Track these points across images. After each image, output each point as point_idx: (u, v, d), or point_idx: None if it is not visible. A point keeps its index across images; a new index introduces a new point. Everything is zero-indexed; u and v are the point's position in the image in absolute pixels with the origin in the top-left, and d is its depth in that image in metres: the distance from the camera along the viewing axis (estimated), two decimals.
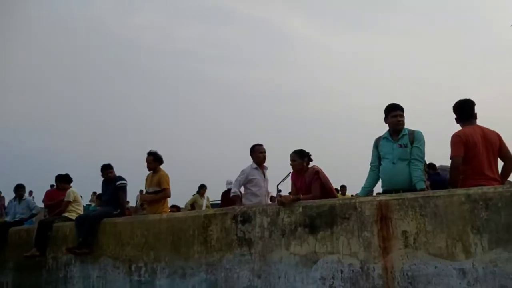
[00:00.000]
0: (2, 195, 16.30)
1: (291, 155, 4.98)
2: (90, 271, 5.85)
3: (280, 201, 4.17)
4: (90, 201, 16.07)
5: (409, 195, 3.54)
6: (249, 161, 5.91)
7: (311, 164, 4.99)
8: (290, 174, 5.28)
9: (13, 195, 8.77)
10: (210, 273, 4.53)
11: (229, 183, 6.02)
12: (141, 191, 19.36)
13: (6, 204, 12.91)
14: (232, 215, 4.49)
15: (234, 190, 5.79)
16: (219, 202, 9.65)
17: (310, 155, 4.99)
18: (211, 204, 11.37)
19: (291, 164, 5.02)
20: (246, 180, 5.74)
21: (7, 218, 8.67)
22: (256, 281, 4.16)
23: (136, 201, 16.35)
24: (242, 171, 5.83)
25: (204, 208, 10.69)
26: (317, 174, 4.75)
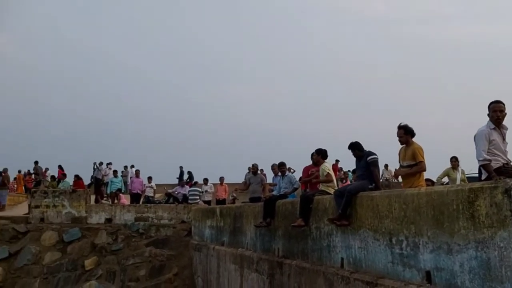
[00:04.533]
0: (264, 172, 18.67)
1: None
2: (351, 241, 6.19)
3: None
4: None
5: None
6: None
7: None
8: None
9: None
10: (480, 250, 4.19)
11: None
12: (386, 166, 19.39)
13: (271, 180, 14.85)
14: (503, 189, 4.03)
15: (483, 157, 5.26)
16: (477, 175, 8.81)
17: None
18: (467, 177, 10.47)
19: None
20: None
21: (274, 192, 10.01)
22: None
23: (382, 175, 16.44)
24: (480, 132, 5.31)
25: (458, 181, 9.97)
26: None
